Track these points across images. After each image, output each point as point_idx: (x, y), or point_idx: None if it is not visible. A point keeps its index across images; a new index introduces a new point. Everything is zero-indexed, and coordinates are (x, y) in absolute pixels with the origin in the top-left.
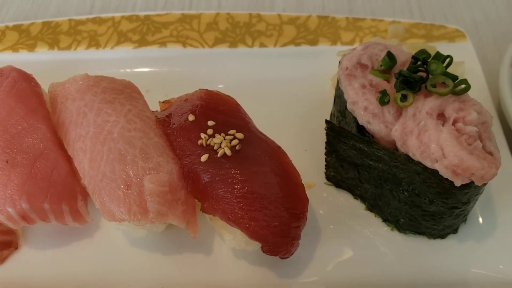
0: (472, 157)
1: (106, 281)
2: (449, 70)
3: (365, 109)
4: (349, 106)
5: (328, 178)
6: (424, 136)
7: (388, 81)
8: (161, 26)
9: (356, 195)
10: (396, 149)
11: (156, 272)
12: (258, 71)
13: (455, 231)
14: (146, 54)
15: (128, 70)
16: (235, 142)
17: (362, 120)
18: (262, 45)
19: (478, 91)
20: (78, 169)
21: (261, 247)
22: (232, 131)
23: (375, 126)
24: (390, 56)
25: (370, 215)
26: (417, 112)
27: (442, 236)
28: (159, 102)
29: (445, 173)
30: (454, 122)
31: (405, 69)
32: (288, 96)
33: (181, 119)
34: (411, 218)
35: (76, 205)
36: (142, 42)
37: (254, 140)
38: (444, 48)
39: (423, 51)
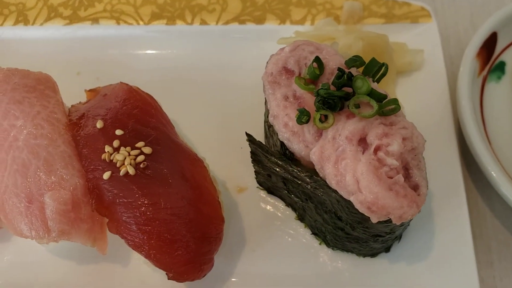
0: (390, 195)
1: None
2: (407, 59)
3: (285, 126)
4: (270, 119)
5: (259, 183)
6: (341, 164)
7: (313, 93)
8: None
9: (287, 203)
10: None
11: (71, 283)
12: (196, 54)
13: (387, 249)
14: (77, 32)
15: (59, 49)
16: (140, 158)
17: (282, 137)
18: (202, 22)
19: (435, 87)
20: None
21: (166, 274)
22: (140, 144)
23: (294, 145)
24: (317, 62)
25: (300, 226)
26: (337, 135)
27: (373, 255)
28: (85, 90)
29: (360, 208)
30: (376, 150)
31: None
32: (227, 84)
33: (91, 124)
34: (336, 238)
35: None
36: (74, 18)
37: (163, 155)
38: (405, 30)
39: (354, 59)
